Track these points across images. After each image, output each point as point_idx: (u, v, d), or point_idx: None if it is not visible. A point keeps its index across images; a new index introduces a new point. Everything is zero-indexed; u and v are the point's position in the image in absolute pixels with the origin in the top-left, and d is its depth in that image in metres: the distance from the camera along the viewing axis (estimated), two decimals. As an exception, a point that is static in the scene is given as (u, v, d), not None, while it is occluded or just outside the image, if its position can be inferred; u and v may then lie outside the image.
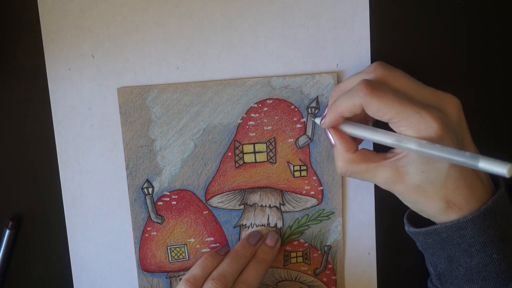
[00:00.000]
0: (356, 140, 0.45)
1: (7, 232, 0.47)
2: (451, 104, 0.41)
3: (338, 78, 0.47)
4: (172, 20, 0.46)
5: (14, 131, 0.46)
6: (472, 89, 0.50)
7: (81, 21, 0.45)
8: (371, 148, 0.48)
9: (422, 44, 0.48)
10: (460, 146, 0.40)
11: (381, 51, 0.48)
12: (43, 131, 0.46)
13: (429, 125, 0.38)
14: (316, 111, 0.48)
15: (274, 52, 0.47)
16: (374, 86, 0.40)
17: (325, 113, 0.44)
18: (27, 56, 0.45)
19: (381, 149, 0.43)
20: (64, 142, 0.46)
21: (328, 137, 0.44)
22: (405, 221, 0.46)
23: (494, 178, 0.43)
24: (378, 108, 0.39)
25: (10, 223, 0.46)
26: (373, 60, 0.47)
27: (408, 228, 0.45)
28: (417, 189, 0.40)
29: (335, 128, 0.43)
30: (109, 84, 0.46)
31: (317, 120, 0.45)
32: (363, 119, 0.44)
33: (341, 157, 0.43)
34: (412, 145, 0.38)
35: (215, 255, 0.47)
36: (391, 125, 0.40)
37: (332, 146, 0.44)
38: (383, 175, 0.41)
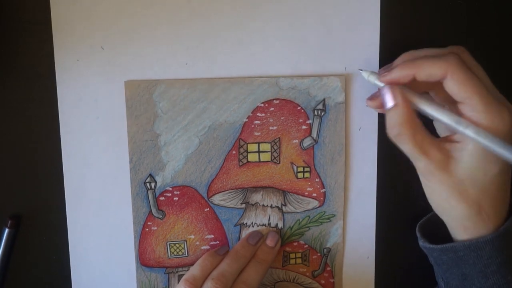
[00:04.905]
0: None
1: (6, 231, 0.46)
2: None
3: (346, 81, 0.47)
4: (183, 16, 0.45)
5: (20, 120, 0.46)
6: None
7: (91, 12, 0.45)
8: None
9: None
10: None
11: (390, 55, 0.47)
12: (48, 121, 0.46)
13: (504, 117, 0.36)
14: (322, 113, 0.47)
15: (282, 53, 0.47)
16: (464, 61, 0.38)
17: (389, 69, 0.40)
18: (36, 46, 0.45)
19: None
20: (68, 133, 0.46)
21: (384, 96, 0.39)
22: (418, 235, 0.44)
23: None
24: (462, 82, 0.36)
25: (10, 221, 0.46)
26: (381, 64, 0.47)
27: (423, 244, 0.44)
28: (458, 184, 0.38)
29: (399, 87, 0.39)
30: (116, 77, 0.46)
31: (365, 74, 0.42)
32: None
33: (404, 116, 0.38)
34: (470, 131, 0.36)
35: (214, 255, 0.47)
36: (462, 106, 0.38)
37: (385, 107, 0.39)
38: (435, 154, 0.38)
